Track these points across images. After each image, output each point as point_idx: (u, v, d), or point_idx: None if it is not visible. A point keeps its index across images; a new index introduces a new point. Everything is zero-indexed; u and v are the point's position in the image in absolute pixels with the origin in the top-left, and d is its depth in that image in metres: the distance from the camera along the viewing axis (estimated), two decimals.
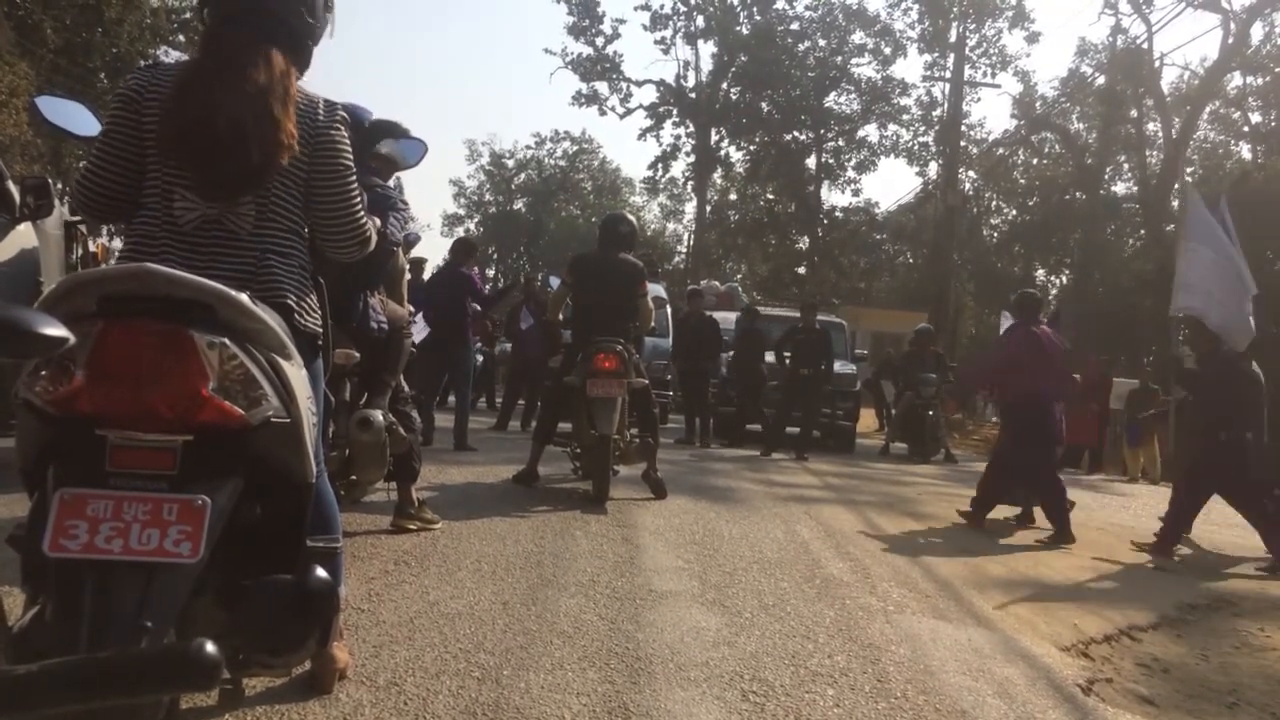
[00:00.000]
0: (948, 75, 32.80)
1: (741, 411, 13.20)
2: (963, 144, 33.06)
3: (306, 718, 2.55)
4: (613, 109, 40.24)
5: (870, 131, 39.11)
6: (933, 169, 36.72)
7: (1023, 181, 38.82)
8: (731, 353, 13.22)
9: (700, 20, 38.99)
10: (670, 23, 38.88)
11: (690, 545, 5.32)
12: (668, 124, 39.98)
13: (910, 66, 41.75)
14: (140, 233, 2.14)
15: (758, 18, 37.97)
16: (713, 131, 39.10)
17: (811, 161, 39.18)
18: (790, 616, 4.06)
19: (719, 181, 42.73)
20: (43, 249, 5.49)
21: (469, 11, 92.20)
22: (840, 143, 39.26)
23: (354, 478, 4.52)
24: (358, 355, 4.11)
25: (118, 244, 11.58)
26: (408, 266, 5.64)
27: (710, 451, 11.54)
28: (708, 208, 41.91)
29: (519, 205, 54.23)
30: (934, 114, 36.66)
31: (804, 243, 40.08)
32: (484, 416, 12.34)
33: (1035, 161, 38.60)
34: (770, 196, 41.13)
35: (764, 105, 37.84)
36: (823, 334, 12.49)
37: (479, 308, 9.49)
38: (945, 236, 28.95)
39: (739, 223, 41.77)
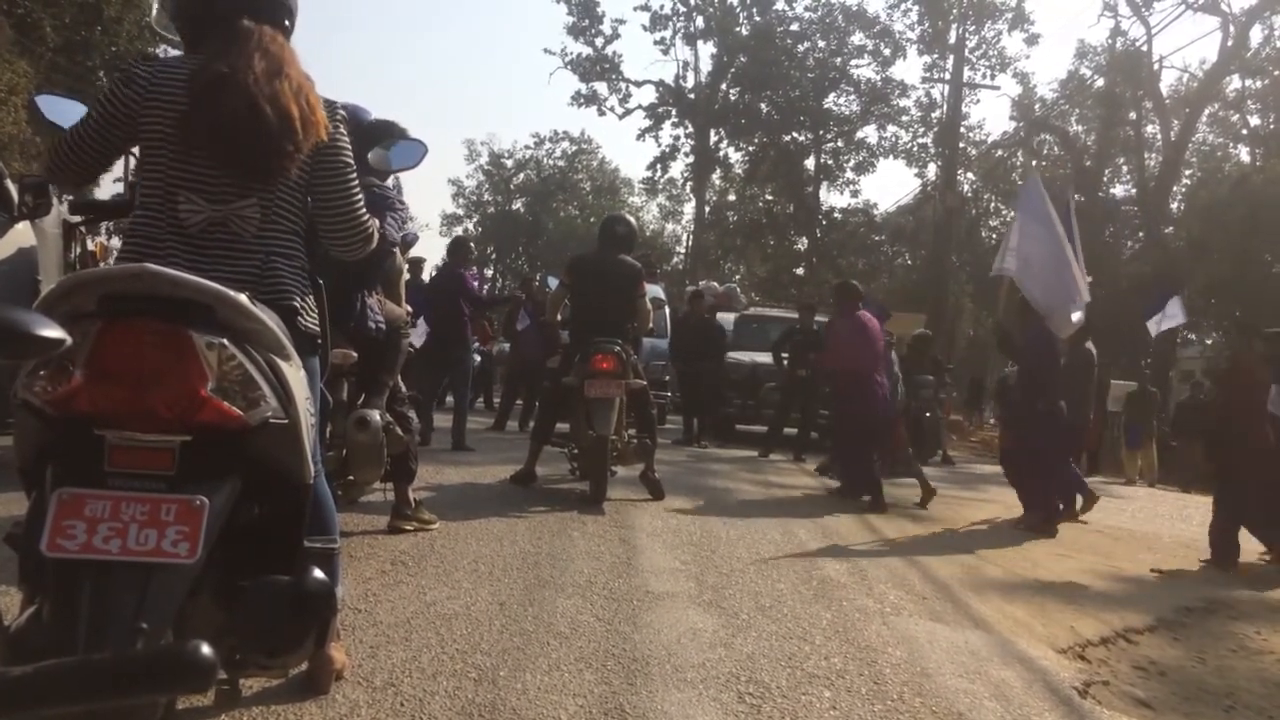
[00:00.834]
0: (947, 77, 32.92)
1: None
2: (962, 145, 33.10)
3: (303, 718, 2.55)
4: (612, 109, 40.27)
5: (869, 133, 39.14)
6: (932, 170, 36.74)
7: (1021, 183, 38.83)
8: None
9: (700, 21, 39.03)
10: (670, 23, 38.91)
11: (687, 546, 5.32)
12: (667, 124, 40.01)
13: (909, 68, 42.00)
14: (143, 234, 2.13)
15: (757, 19, 37.97)
16: (712, 132, 39.11)
17: (810, 162, 39.17)
18: (787, 618, 4.07)
19: (718, 182, 42.74)
20: (41, 248, 5.48)
21: (469, 11, 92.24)
22: (839, 144, 39.24)
23: (351, 478, 4.52)
24: (355, 355, 4.12)
25: (116, 242, 11.57)
26: (406, 266, 5.64)
27: (707, 452, 11.54)
28: (706, 208, 41.91)
29: (518, 205, 54.21)
30: (933, 115, 36.65)
31: (802, 244, 40.08)
32: (482, 417, 12.34)
33: (1034, 163, 38.58)
34: (769, 197, 41.13)
35: (763, 106, 37.83)
36: (820, 335, 12.48)
37: (471, 307, 9.51)
38: (944, 238, 29.00)
39: (738, 223, 41.76)
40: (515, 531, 5.20)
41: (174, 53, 2.62)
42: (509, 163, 54.41)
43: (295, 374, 1.94)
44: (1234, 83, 30.65)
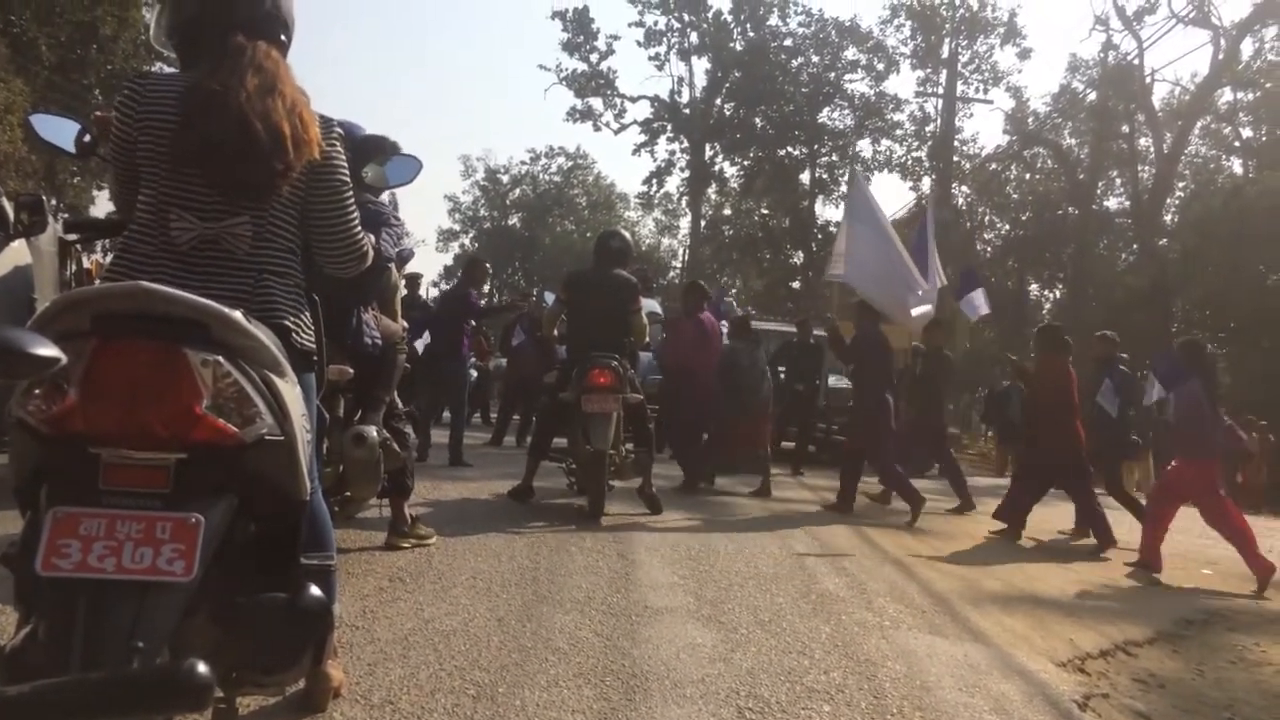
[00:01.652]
0: (940, 91, 32.98)
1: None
2: (955, 159, 33.20)
3: None
4: (607, 125, 40.42)
5: (864, 147, 39.26)
6: (926, 184, 36.84)
7: (1015, 196, 38.95)
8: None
9: (694, 37, 39.20)
10: (664, 39, 39.13)
11: (686, 561, 5.31)
12: (662, 139, 40.17)
13: (903, 82, 42.02)
14: (135, 252, 2.13)
15: (751, 34, 38.14)
16: (707, 147, 39.22)
17: (805, 176, 39.27)
18: (786, 632, 4.05)
19: (713, 197, 42.83)
20: (36, 266, 5.48)
21: (465, 28, 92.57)
22: (834, 158, 39.33)
23: (348, 495, 4.51)
24: (351, 371, 4.11)
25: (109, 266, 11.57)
26: (402, 282, 5.64)
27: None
28: (702, 223, 41.98)
29: (514, 220, 54.32)
30: (927, 129, 36.81)
31: (798, 257, 40.13)
32: (479, 432, 12.33)
33: (1028, 176, 38.75)
34: (764, 211, 41.23)
35: (758, 121, 37.97)
36: (817, 349, 12.51)
37: (473, 321, 9.57)
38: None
39: (733, 238, 41.84)
40: (513, 547, 5.19)
41: (170, 70, 2.63)
42: (505, 178, 54.57)
43: (290, 390, 1.93)
44: (1226, 95, 30.90)
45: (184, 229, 2.11)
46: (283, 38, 2.37)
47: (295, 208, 2.27)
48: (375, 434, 4.26)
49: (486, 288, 9.84)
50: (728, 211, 43.97)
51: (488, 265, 9.68)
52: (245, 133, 2.08)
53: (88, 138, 2.81)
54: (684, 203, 42.79)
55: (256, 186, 2.14)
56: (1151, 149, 31.59)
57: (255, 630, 1.79)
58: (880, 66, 37.35)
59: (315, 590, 1.84)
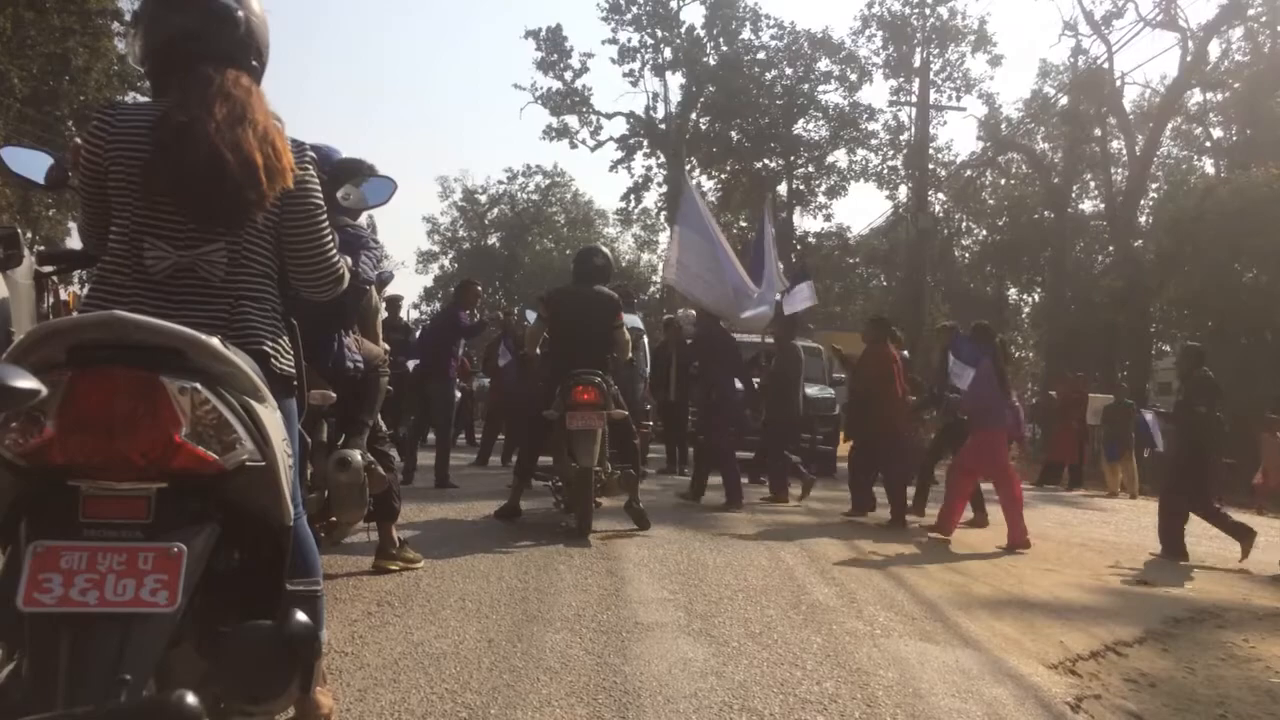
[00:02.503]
0: (913, 100, 33.21)
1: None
2: (931, 167, 33.38)
3: None
4: (584, 142, 40.52)
5: (839, 157, 39.49)
6: (903, 192, 37.08)
7: (991, 202, 39.18)
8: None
9: (668, 52, 39.38)
10: (638, 55, 39.29)
11: (675, 575, 5.30)
12: (639, 155, 40.32)
13: (876, 92, 42.50)
14: (109, 282, 2.11)
15: (724, 48, 38.35)
16: (684, 161, 39.33)
17: (783, 188, 39.43)
18: (778, 644, 4.05)
19: None
20: (13, 299, 5.45)
21: (438, 50, 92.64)
22: (810, 169, 39.56)
23: (334, 519, 4.48)
24: (334, 395, 4.08)
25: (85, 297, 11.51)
26: (383, 305, 5.62)
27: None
28: None
29: (493, 240, 54.27)
30: (901, 138, 37.06)
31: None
32: (464, 453, 12.28)
33: (1003, 182, 38.98)
34: (743, 224, 41.33)
35: (733, 134, 38.14)
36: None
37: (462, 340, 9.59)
38: (917, 259, 29.15)
39: None
40: (501, 567, 5.16)
41: (142, 99, 2.62)
42: (483, 198, 54.54)
43: (271, 415, 1.91)
44: (1195, 96, 31.13)
45: (158, 257, 2.10)
46: (255, 64, 2.36)
47: (270, 233, 2.26)
48: (359, 458, 4.24)
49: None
50: None
51: (479, 286, 9.66)
52: (216, 164, 2.07)
53: (58, 170, 2.79)
54: (662, 217, 42.85)
55: (230, 217, 2.13)
56: (1124, 151, 31.86)
57: (241, 658, 1.76)
58: (853, 77, 37.63)
59: (302, 616, 1.82)
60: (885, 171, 38.51)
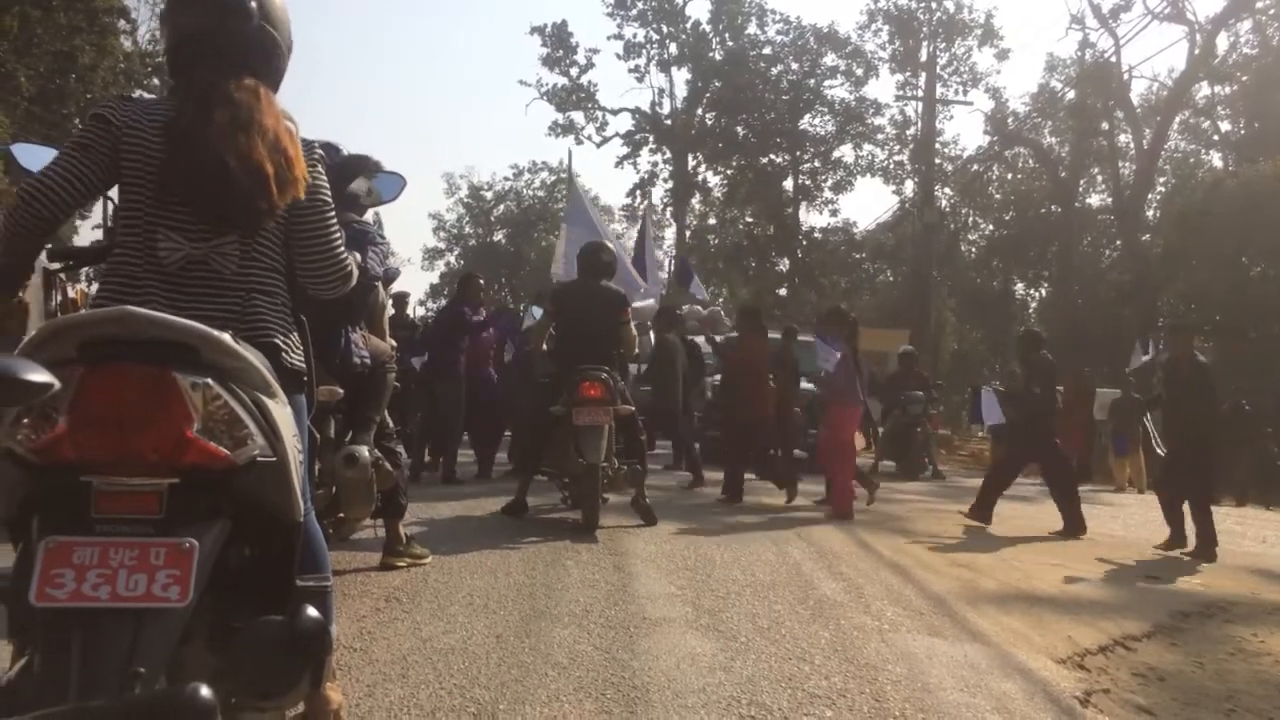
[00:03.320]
0: (920, 94, 33.15)
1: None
2: (937, 161, 33.34)
3: None
4: (589, 138, 40.45)
5: (845, 152, 39.31)
6: (909, 187, 37.01)
7: (998, 196, 39.10)
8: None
9: (673, 48, 39.29)
10: (644, 51, 39.21)
11: (682, 571, 5.30)
12: (644, 151, 40.23)
13: (883, 86, 42.43)
14: (122, 274, 2.11)
15: (730, 44, 38.27)
16: (689, 157, 39.29)
17: (789, 184, 39.36)
18: (785, 639, 4.05)
19: (697, 207, 42.88)
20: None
21: (443, 46, 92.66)
22: (816, 164, 39.43)
23: (342, 515, 4.50)
24: (341, 392, 4.10)
25: (96, 288, 11.52)
26: (389, 301, 5.63)
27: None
28: (687, 233, 42.01)
29: (499, 237, 54.24)
30: (908, 133, 36.98)
31: (784, 265, 40.19)
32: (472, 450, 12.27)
33: (1010, 176, 38.90)
34: (749, 220, 41.29)
35: (739, 129, 38.03)
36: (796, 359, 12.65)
37: (470, 336, 9.57)
38: (924, 254, 29.12)
39: (719, 247, 41.86)
40: (509, 563, 5.17)
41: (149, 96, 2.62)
42: (489, 195, 54.49)
43: (281, 411, 1.92)
44: (1203, 89, 31.02)
45: (171, 249, 2.10)
46: (275, 60, 2.34)
47: (280, 228, 2.27)
48: (367, 454, 4.25)
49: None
50: (712, 221, 44.01)
51: (480, 279, 9.67)
52: (221, 171, 2.06)
53: None
54: (668, 213, 42.83)
55: (241, 223, 2.14)
56: (1131, 145, 31.76)
57: (252, 654, 1.77)
58: (859, 72, 37.49)
59: (312, 612, 1.82)
60: (891, 166, 38.48)
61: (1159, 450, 9.41)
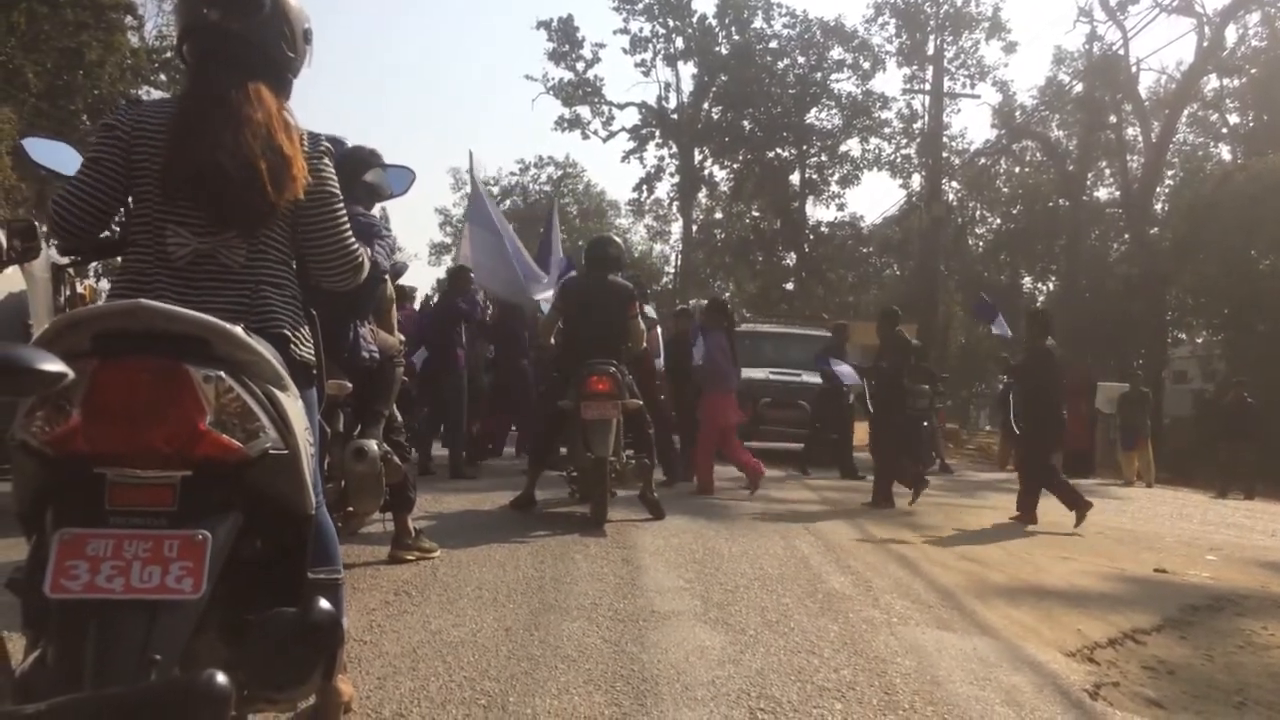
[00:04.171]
0: (927, 87, 33.07)
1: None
2: (945, 155, 33.23)
3: None
4: (595, 133, 40.46)
5: (852, 146, 39.24)
6: (916, 181, 36.89)
7: (1006, 190, 39.00)
8: None
9: (679, 42, 39.25)
10: (650, 45, 39.18)
11: (691, 564, 5.31)
12: (651, 145, 40.19)
13: (889, 80, 42.29)
14: (132, 269, 2.13)
15: (736, 37, 38.20)
16: (696, 151, 39.26)
17: (795, 178, 39.30)
18: (794, 632, 4.05)
19: (704, 201, 42.82)
20: (30, 292, 5.48)
21: (449, 41, 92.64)
22: (823, 158, 39.36)
23: (351, 509, 4.50)
24: (350, 386, 4.10)
25: (105, 285, 11.56)
26: (394, 295, 5.63)
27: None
28: (694, 228, 41.99)
29: None
30: (915, 126, 36.84)
31: (791, 259, 40.14)
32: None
33: (1017, 170, 38.80)
34: (755, 214, 41.23)
35: (746, 124, 37.99)
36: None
37: (474, 328, 9.59)
38: (931, 248, 29.06)
39: (725, 241, 41.84)
40: (517, 557, 5.18)
41: (156, 93, 2.62)
42: (495, 189, 54.47)
43: (293, 404, 1.92)
44: (1212, 82, 30.87)
45: (180, 244, 2.11)
46: (288, 52, 2.34)
47: (287, 222, 2.27)
48: (376, 448, 4.26)
49: (480, 295, 9.89)
50: (719, 215, 43.97)
51: (471, 272, 9.70)
52: (217, 171, 2.07)
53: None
54: (675, 208, 42.82)
55: (241, 222, 2.14)
56: (1140, 138, 31.65)
57: (265, 646, 1.78)
58: (866, 65, 37.42)
59: (324, 604, 1.83)
60: (898, 160, 38.35)
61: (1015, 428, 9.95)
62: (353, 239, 2.43)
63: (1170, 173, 33.76)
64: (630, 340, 6.77)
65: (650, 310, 14.31)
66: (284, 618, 1.80)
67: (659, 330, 14.29)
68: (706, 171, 40.28)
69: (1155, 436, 16.98)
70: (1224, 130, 33.21)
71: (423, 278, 70.00)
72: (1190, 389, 27.40)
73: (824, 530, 6.98)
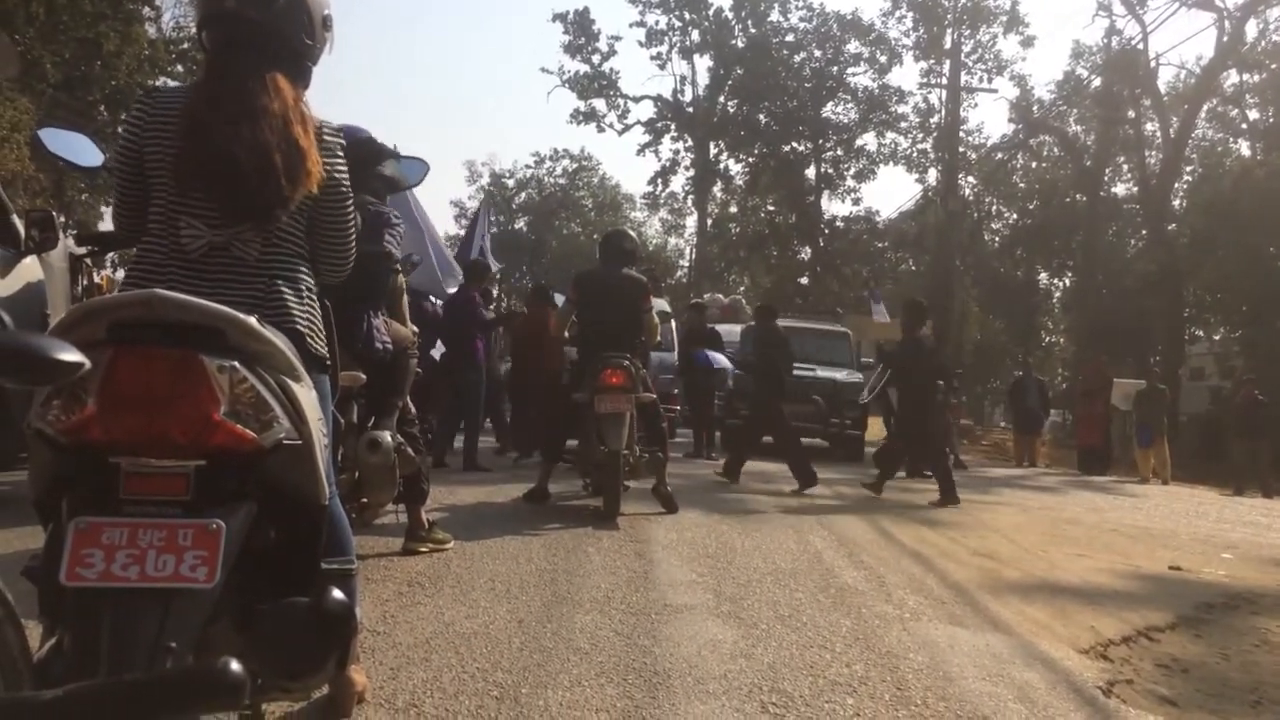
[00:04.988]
0: (944, 82, 32.96)
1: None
2: (961, 149, 33.11)
3: None
4: (611, 126, 40.48)
5: (868, 140, 39.18)
6: (932, 175, 36.76)
7: (1022, 185, 38.84)
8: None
9: (695, 35, 39.21)
10: (666, 38, 39.17)
11: (703, 558, 5.31)
12: (666, 139, 40.21)
13: (906, 74, 42.14)
14: (147, 261, 2.14)
15: (753, 30, 38.13)
16: (711, 145, 39.21)
17: (811, 172, 39.22)
18: (807, 627, 4.05)
19: (719, 195, 42.83)
20: (48, 281, 5.50)
21: (466, 34, 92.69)
22: (839, 152, 39.28)
23: (365, 501, 4.51)
24: (364, 377, 4.11)
25: (122, 275, 11.63)
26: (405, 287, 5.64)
27: (719, 463, 11.49)
28: (708, 221, 41.99)
29: (520, 225, 54.35)
30: (931, 121, 36.71)
31: (806, 253, 40.09)
32: (492, 437, 12.31)
33: (1035, 165, 38.62)
34: (771, 208, 41.17)
35: (761, 117, 37.93)
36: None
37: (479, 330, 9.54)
38: (947, 243, 28.96)
39: (740, 235, 41.81)
40: (530, 549, 5.19)
41: (173, 84, 2.63)
42: (510, 182, 54.61)
43: (307, 395, 1.93)
44: (1232, 77, 30.65)
45: (194, 236, 2.11)
46: (306, 40, 2.33)
47: (303, 214, 2.27)
48: (389, 439, 4.26)
49: (496, 291, 9.92)
50: (734, 209, 43.97)
51: (488, 264, 9.68)
52: (230, 162, 2.07)
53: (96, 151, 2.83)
54: (690, 202, 42.76)
55: (253, 214, 2.14)
56: (1158, 134, 31.47)
57: (279, 635, 1.78)
58: (883, 59, 37.31)
59: (337, 594, 1.83)
60: (915, 155, 38.20)
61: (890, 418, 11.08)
62: (355, 235, 2.45)
63: (1189, 168, 33.56)
64: (644, 334, 6.76)
65: (664, 304, 14.36)
66: (297, 607, 1.80)
67: (673, 323, 14.32)
68: (722, 165, 40.25)
69: (1171, 434, 16.89)
70: (1243, 126, 32.94)
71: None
72: (1207, 386, 27.27)
73: (837, 525, 6.97)
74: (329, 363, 2.33)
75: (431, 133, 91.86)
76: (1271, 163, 24.62)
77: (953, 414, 14.87)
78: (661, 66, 40.13)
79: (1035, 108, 35.77)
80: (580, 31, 39.03)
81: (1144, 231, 32.25)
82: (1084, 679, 3.70)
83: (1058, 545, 7.09)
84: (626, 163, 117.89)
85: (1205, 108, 31.40)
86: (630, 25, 37.93)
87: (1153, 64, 29.13)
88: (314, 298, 2.30)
